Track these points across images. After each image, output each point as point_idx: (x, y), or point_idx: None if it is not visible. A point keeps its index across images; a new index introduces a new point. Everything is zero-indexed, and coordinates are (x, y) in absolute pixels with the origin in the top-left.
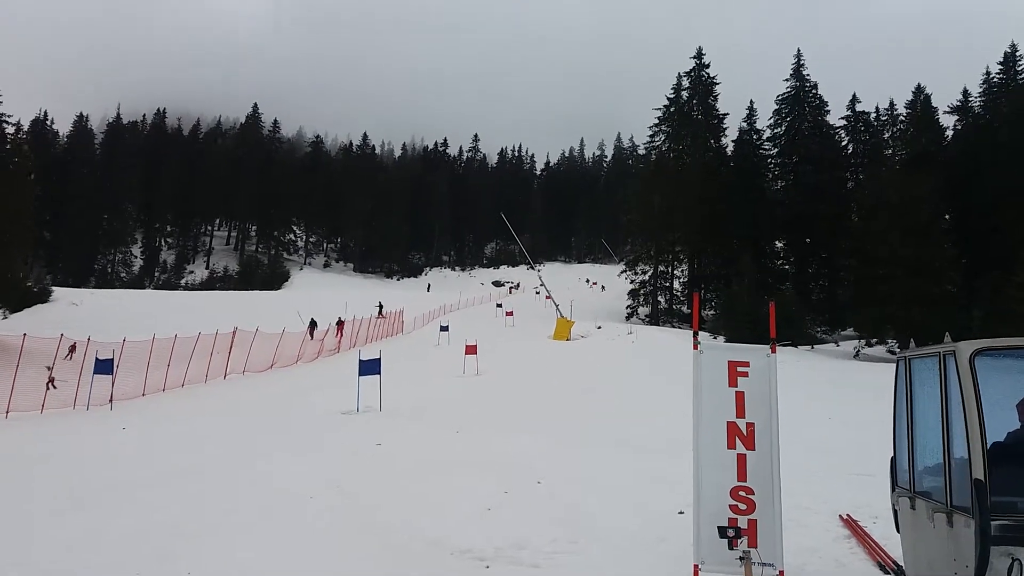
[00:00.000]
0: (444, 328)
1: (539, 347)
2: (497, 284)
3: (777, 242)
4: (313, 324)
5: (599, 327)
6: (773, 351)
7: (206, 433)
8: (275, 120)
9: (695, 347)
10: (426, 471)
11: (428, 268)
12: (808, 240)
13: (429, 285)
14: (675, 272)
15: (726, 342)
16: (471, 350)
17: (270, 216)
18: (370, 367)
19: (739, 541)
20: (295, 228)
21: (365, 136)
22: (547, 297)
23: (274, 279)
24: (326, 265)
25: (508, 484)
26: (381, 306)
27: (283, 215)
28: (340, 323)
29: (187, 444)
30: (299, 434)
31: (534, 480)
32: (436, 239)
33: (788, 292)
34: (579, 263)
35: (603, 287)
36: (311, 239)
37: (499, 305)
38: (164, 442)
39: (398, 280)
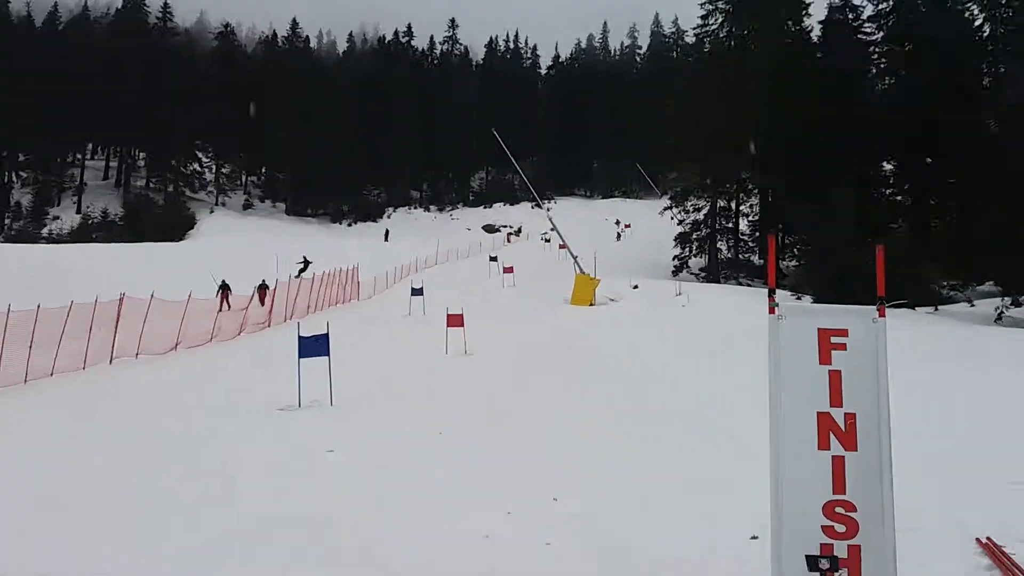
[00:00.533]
0: (417, 291)
1: (550, 315)
2: (490, 229)
3: (885, 163)
4: (225, 288)
5: (635, 287)
6: (881, 314)
7: (84, 445)
8: (165, 3)
9: (772, 311)
10: (397, 487)
11: (392, 208)
12: (929, 160)
13: (387, 232)
14: (741, 208)
15: (813, 303)
16: (455, 321)
17: (165, 139)
18: (315, 346)
19: (836, 574)
20: (200, 155)
21: (295, 24)
22: (561, 246)
23: (175, 226)
24: (247, 206)
25: (511, 503)
26: (305, 263)
27: (183, 137)
28: (263, 288)
29: (59, 461)
30: (218, 443)
31: (547, 497)
32: (402, 168)
33: (901, 232)
34: (604, 198)
35: (619, 233)
36: (224, 170)
37: (493, 259)
38: (23, 457)
39: (350, 226)
